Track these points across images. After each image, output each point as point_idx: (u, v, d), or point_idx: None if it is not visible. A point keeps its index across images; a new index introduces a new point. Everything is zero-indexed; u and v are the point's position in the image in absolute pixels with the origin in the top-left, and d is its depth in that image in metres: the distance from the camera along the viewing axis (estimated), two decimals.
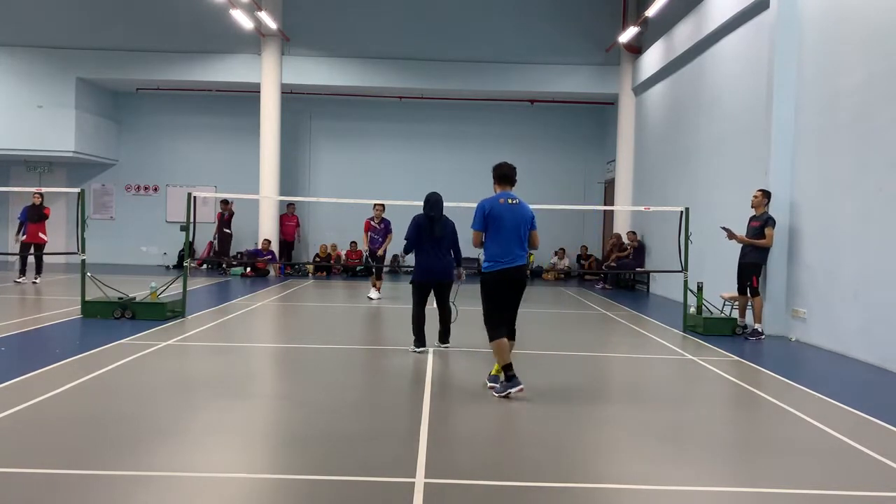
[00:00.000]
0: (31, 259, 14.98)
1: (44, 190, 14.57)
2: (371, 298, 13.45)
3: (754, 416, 6.16)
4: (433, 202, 8.47)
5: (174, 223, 19.92)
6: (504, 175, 6.65)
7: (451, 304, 8.31)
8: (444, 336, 8.50)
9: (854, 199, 8.75)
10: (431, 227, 8.23)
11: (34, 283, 14.54)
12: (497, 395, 6.14)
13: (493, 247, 6.33)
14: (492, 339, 6.26)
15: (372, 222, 13.75)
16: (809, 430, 5.49)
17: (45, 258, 15.84)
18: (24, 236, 14.86)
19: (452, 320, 8.30)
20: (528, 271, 6.24)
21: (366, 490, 4.01)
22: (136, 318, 9.78)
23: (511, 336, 6.39)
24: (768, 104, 10.45)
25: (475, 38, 19.73)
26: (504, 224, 6.33)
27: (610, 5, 19.57)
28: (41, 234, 14.86)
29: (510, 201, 6.48)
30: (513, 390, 6.06)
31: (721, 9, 12.68)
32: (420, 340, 8.17)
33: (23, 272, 15.00)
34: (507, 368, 6.14)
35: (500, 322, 6.29)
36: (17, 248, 15.06)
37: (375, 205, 13.74)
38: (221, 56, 19.56)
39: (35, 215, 14.80)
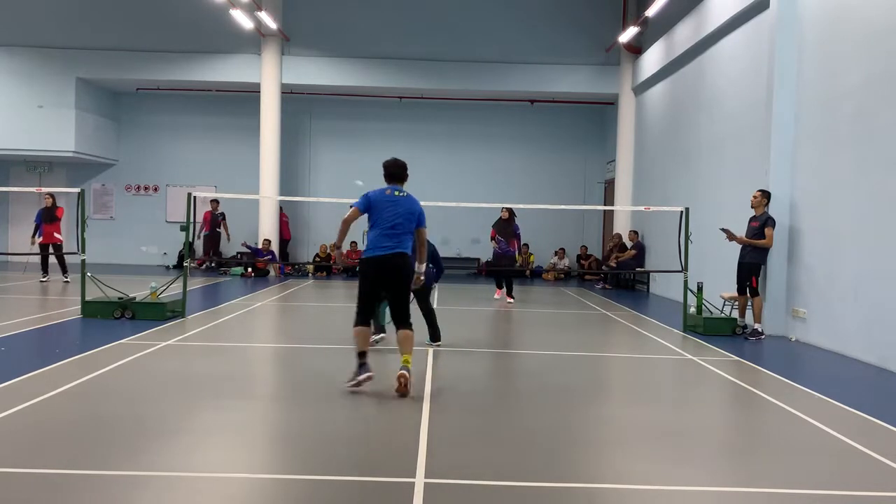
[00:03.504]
0: (53, 260, 15.31)
1: (44, 190, 14.63)
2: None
3: (754, 416, 6.16)
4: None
5: (174, 223, 19.93)
6: (391, 174, 6.60)
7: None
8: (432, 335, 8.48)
9: (854, 199, 8.75)
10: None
11: (65, 282, 14.77)
12: (348, 384, 6.11)
13: (371, 235, 6.32)
14: (354, 324, 6.29)
15: None
16: (809, 430, 5.49)
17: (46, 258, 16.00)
18: (41, 238, 15.16)
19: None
20: (402, 262, 6.21)
21: (366, 490, 4.01)
22: (136, 318, 9.78)
23: (403, 327, 6.30)
24: (768, 104, 10.45)
25: (475, 38, 19.73)
26: (382, 215, 6.29)
27: (610, 5, 19.57)
28: (56, 235, 15.13)
29: (396, 193, 6.44)
30: (361, 377, 6.07)
31: (721, 9, 12.68)
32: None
33: (45, 271, 15.28)
34: (361, 356, 6.15)
35: (363, 310, 6.30)
36: (36, 250, 15.38)
37: None
38: (221, 56, 19.55)
39: (48, 217, 15.04)
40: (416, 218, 6.39)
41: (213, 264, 19.56)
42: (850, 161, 8.86)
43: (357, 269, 20.55)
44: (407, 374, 6.06)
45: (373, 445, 4.78)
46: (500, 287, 14.16)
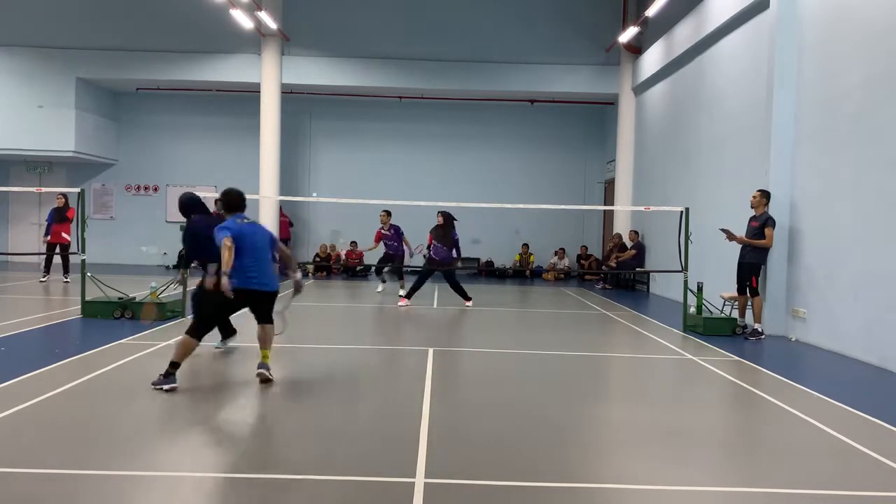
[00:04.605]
0: (58, 260, 15.32)
1: (52, 190, 14.65)
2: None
3: (754, 416, 6.16)
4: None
5: (174, 223, 19.92)
6: (236, 205, 6.94)
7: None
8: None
9: (854, 199, 8.75)
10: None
11: (65, 282, 14.78)
12: (155, 385, 6.08)
13: (238, 263, 6.45)
14: (191, 334, 6.38)
15: (382, 230, 14.08)
16: (809, 430, 5.49)
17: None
18: (49, 237, 15.20)
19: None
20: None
21: (366, 490, 4.01)
22: (137, 318, 9.77)
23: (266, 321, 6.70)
24: (768, 104, 10.45)
25: (475, 38, 19.73)
26: (246, 244, 6.53)
27: (610, 5, 19.57)
28: (64, 234, 15.16)
29: (248, 220, 6.80)
30: (165, 386, 6.05)
31: (721, 9, 12.68)
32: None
33: (47, 271, 15.31)
34: (173, 366, 6.15)
35: (209, 326, 6.59)
36: (44, 249, 15.46)
37: (382, 213, 14.05)
38: (221, 56, 19.55)
39: (59, 217, 15.12)
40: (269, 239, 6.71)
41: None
42: (850, 161, 8.86)
43: (357, 269, 20.43)
44: (265, 372, 6.38)
45: (373, 445, 4.78)
46: (409, 297, 12.93)
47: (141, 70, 19.67)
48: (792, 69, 10.20)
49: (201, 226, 7.55)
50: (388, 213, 14.12)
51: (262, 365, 6.49)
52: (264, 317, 6.74)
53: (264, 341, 6.63)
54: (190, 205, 7.82)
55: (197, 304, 6.98)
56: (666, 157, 16.26)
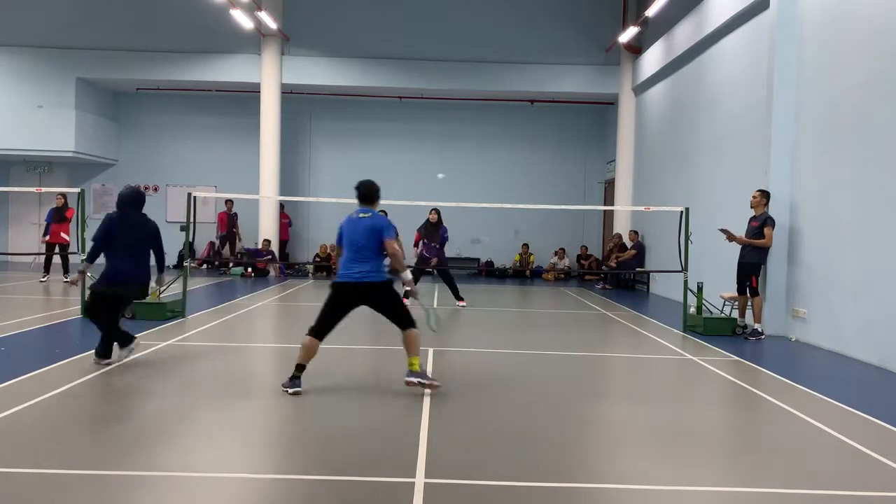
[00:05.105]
0: (58, 259, 15.36)
1: (51, 190, 14.65)
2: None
3: (754, 416, 6.16)
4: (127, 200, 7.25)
5: (174, 223, 19.89)
6: (360, 195, 6.52)
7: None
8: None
9: (854, 199, 8.75)
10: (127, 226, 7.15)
11: (66, 282, 14.79)
12: (285, 387, 6.10)
13: (341, 258, 6.39)
14: (308, 333, 6.26)
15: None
16: (809, 430, 5.49)
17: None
18: (48, 237, 15.19)
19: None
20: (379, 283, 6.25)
21: (366, 490, 4.01)
22: (136, 318, 9.77)
23: (403, 327, 6.26)
24: (768, 104, 10.45)
25: (475, 38, 19.73)
26: (345, 237, 6.36)
27: (610, 5, 19.57)
28: (63, 235, 15.17)
29: (360, 215, 6.37)
30: (290, 390, 6.05)
31: (721, 9, 12.68)
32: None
33: (46, 270, 15.33)
34: (300, 368, 6.16)
35: (321, 325, 6.25)
36: (43, 249, 15.46)
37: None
38: (221, 56, 19.55)
39: (58, 216, 15.12)
40: (379, 233, 6.24)
41: (219, 265, 19.56)
42: (850, 161, 8.86)
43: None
44: (412, 380, 6.12)
45: (373, 445, 4.78)
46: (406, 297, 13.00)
47: (141, 70, 19.67)
48: (792, 69, 10.20)
49: (114, 225, 7.05)
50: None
51: (410, 373, 6.17)
52: (397, 321, 6.30)
53: (407, 347, 6.25)
54: (127, 201, 7.22)
55: (324, 307, 6.40)
56: (666, 157, 16.25)
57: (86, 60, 19.52)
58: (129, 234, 7.05)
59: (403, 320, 6.26)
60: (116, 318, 7.15)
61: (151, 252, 7.40)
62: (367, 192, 6.48)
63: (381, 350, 8.76)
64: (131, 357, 7.18)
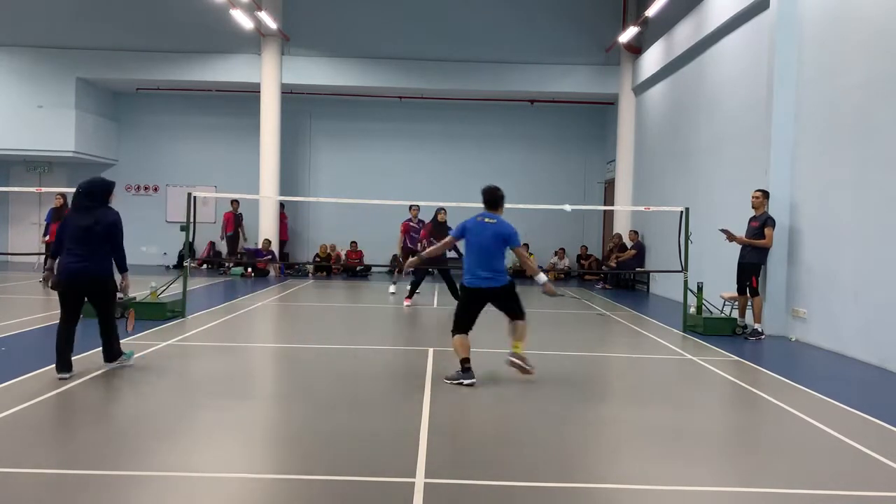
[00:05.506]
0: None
1: (52, 190, 14.65)
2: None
3: (754, 416, 6.16)
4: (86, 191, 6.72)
5: (174, 223, 19.91)
6: (485, 201, 6.86)
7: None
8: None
9: (854, 199, 8.75)
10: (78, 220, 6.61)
11: (39, 281, 14.67)
12: (457, 381, 6.50)
13: (467, 261, 6.72)
14: (453, 334, 6.71)
15: (410, 223, 13.85)
16: (809, 430, 5.49)
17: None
18: (47, 237, 15.15)
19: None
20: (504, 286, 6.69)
21: (366, 490, 4.01)
22: (136, 318, 9.75)
23: (515, 317, 6.75)
24: (768, 104, 10.45)
25: (475, 38, 19.72)
26: (470, 241, 6.69)
27: (610, 5, 19.57)
28: None
29: (486, 220, 6.72)
30: (465, 381, 6.44)
31: (721, 9, 12.68)
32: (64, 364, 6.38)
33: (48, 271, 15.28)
34: (465, 362, 6.52)
35: (461, 323, 6.69)
36: (44, 249, 15.44)
37: (411, 206, 13.96)
38: (221, 56, 19.55)
39: (57, 216, 15.12)
40: (507, 239, 6.64)
41: (220, 265, 19.56)
42: (850, 161, 8.85)
43: (357, 269, 20.53)
44: (516, 360, 6.62)
45: (373, 445, 4.78)
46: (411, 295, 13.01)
47: (141, 70, 19.67)
48: (792, 69, 10.20)
49: (67, 218, 6.68)
50: (418, 208, 13.91)
51: (514, 355, 6.69)
52: (513, 313, 6.75)
53: (517, 334, 6.74)
54: (81, 192, 6.68)
55: (459, 308, 6.81)
56: (666, 157, 16.26)
57: (86, 60, 19.52)
58: (77, 227, 6.49)
59: (518, 313, 6.71)
60: (106, 318, 6.69)
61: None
62: (492, 198, 6.81)
63: (382, 350, 8.76)
64: (122, 367, 6.81)
